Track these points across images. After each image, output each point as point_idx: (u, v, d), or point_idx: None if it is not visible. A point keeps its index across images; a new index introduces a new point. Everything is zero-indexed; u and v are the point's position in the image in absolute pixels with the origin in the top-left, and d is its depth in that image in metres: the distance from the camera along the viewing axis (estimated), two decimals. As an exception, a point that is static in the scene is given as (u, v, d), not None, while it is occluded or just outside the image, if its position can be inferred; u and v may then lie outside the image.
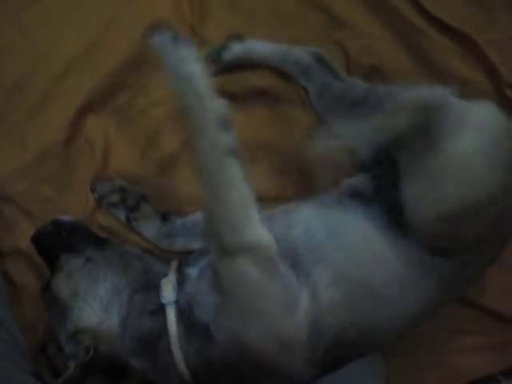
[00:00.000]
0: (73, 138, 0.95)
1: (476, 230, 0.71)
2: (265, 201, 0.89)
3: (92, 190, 0.93)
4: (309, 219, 0.77)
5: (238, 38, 0.91)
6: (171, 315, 0.75)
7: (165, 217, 0.93)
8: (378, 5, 0.95)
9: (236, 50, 0.90)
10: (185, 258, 0.84)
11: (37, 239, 0.85)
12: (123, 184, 0.94)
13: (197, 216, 0.92)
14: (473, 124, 0.73)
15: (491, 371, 0.97)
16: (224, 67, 0.92)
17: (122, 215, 0.93)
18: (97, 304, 0.76)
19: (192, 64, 0.69)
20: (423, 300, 0.75)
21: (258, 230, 0.69)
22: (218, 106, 0.69)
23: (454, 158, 0.70)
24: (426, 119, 0.71)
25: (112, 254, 0.82)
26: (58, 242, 0.83)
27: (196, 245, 0.89)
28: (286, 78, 0.94)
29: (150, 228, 0.92)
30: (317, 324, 0.70)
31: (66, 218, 0.86)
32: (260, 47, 0.91)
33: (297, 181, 0.95)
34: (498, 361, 0.97)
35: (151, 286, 0.78)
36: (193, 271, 0.78)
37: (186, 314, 0.74)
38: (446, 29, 0.95)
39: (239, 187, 0.69)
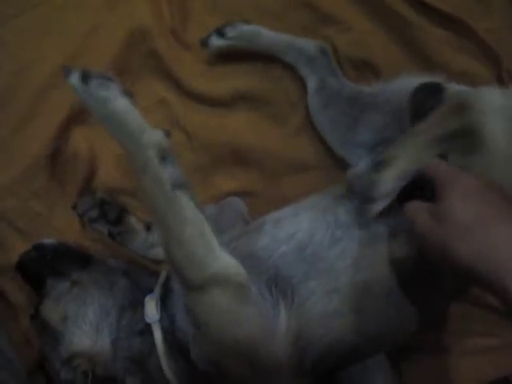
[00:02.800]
0: (59, 152, 0.94)
1: None
2: (258, 205, 0.89)
3: (74, 208, 0.92)
4: (305, 230, 0.73)
5: (245, 21, 0.89)
6: (157, 335, 0.74)
7: (149, 227, 0.91)
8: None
9: (242, 28, 0.88)
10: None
11: (21, 266, 0.84)
12: (105, 197, 0.92)
13: None
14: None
15: (503, 373, 0.92)
16: (222, 48, 0.90)
17: (104, 230, 0.91)
18: (87, 327, 0.75)
19: (116, 101, 0.64)
20: (436, 298, 0.73)
21: (221, 259, 0.66)
22: (154, 138, 0.63)
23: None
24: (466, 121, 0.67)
25: (97, 274, 0.81)
26: (42, 267, 0.82)
27: None
28: (273, 80, 0.93)
29: (135, 241, 0.91)
30: (301, 339, 0.68)
31: (49, 240, 0.85)
32: (266, 32, 0.89)
33: (290, 183, 0.92)
34: (509, 362, 0.93)
35: (138, 303, 0.77)
36: (177, 284, 0.76)
37: (170, 335, 0.73)
38: (438, 19, 0.91)
39: (193, 221, 0.65)
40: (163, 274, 0.80)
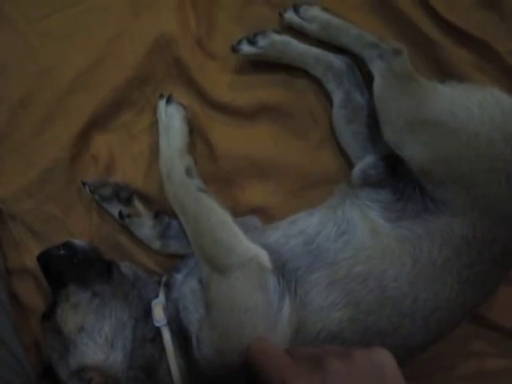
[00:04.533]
0: (78, 155, 0.94)
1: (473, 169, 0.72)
2: (275, 218, 0.89)
3: (84, 184, 0.91)
4: (314, 225, 0.79)
5: (277, 31, 0.90)
6: (166, 337, 0.77)
7: (157, 215, 0.91)
8: (392, 17, 0.92)
9: (274, 38, 0.89)
10: (175, 265, 0.87)
11: (45, 260, 0.83)
12: (116, 180, 0.92)
13: None
14: None
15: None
16: (251, 56, 0.90)
17: (115, 210, 0.91)
18: (102, 340, 0.76)
19: (176, 120, 0.87)
20: (438, 300, 0.73)
21: (245, 244, 0.75)
22: (185, 158, 0.83)
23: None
24: None
25: (116, 285, 0.81)
26: (68, 269, 0.81)
27: (189, 251, 0.85)
28: (297, 93, 0.93)
29: (143, 227, 0.91)
30: (300, 333, 0.72)
31: (79, 242, 0.85)
32: (296, 44, 0.90)
33: (308, 197, 0.92)
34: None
35: (149, 311, 0.79)
36: (179, 276, 0.82)
37: (175, 323, 0.77)
38: (462, 39, 0.91)
39: (217, 212, 0.78)
40: (164, 278, 0.84)
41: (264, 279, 0.73)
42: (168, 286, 0.82)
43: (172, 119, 0.87)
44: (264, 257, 0.75)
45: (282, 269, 0.74)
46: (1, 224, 0.96)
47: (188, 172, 0.82)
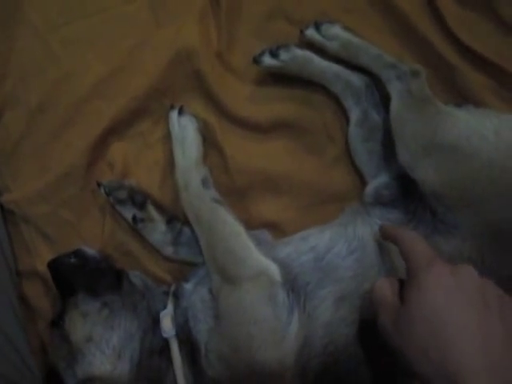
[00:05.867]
0: (94, 162, 0.94)
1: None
2: (287, 233, 0.89)
3: (99, 185, 0.91)
4: (325, 242, 0.79)
5: (299, 46, 0.90)
6: (175, 348, 0.77)
7: (170, 221, 0.91)
8: (412, 40, 0.92)
9: (296, 52, 0.89)
10: (184, 275, 0.88)
11: (55, 267, 0.84)
12: (131, 184, 0.92)
13: None
14: None
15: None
16: (271, 68, 0.90)
17: (128, 214, 0.90)
18: (110, 351, 0.76)
19: (190, 132, 0.88)
20: None
21: (257, 257, 0.76)
22: (202, 169, 0.85)
23: None
24: None
25: (125, 296, 0.81)
26: (78, 277, 0.81)
27: (199, 259, 0.86)
28: (314, 109, 0.93)
29: (155, 232, 0.91)
30: (306, 346, 0.72)
31: (91, 251, 0.85)
32: (317, 60, 0.90)
33: (320, 214, 0.91)
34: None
35: (157, 322, 0.79)
36: (188, 285, 0.83)
37: (184, 333, 0.77)
38: (481, 64, 0.91)
39: (231, 223, 0.79)
40: (172, 287, 0.84)
41: (274, 292, 0.73)
42: (176, 296, 0.82)
43: (186, 130, 0.88)
44: (275, 270, 0.75)
45: (292, 283, 0.75)
46: (13, 226, 0.97)
47: (204, 182, 0.83)
